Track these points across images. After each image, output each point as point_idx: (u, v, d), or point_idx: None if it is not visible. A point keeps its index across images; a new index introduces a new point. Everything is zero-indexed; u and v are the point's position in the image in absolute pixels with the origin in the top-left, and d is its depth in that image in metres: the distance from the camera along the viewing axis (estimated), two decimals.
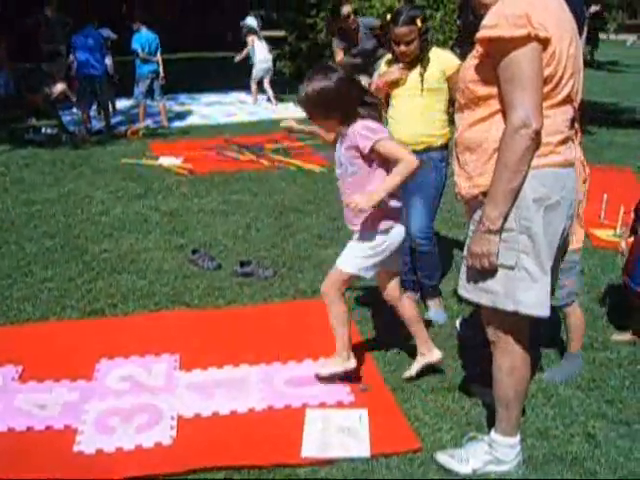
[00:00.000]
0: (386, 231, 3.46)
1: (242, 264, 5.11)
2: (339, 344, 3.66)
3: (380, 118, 3.51)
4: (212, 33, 24.93)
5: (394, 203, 3.46)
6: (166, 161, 8.43)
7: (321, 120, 3.46)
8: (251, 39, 13.41)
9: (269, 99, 13.54)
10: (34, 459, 3.18)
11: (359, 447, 3.18)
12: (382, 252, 3.48)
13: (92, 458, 3.18)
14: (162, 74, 11.03)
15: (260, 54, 13.23)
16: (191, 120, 11.95)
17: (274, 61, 17.27)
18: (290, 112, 12.34)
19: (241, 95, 14.37)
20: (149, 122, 11.31)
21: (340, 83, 3.29)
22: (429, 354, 3.72)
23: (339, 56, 8.45)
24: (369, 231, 3.46)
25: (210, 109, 13.04)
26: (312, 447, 3.18)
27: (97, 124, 11.23)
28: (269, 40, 14.49)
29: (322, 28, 17.11)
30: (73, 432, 3.36)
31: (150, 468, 3.08)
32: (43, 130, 10.65)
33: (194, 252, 5.35)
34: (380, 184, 3.34)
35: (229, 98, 14.21)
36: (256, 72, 13.38)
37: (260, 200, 6.85)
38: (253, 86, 13.52)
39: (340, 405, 3.52)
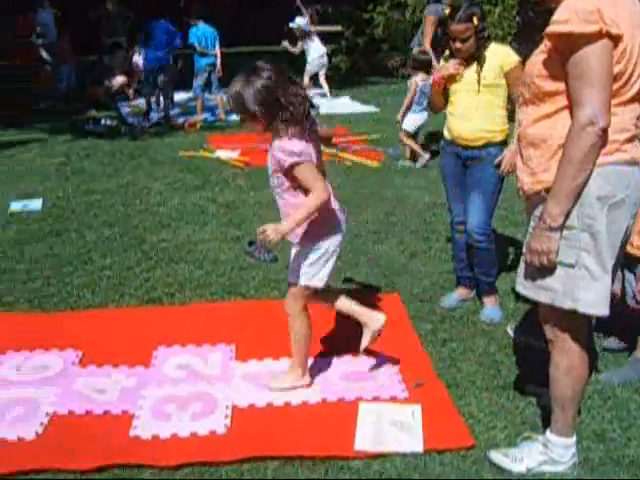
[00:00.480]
0: (326, 236, 3.40)
1: (250, 244, 5.17)
2: (296, 360, 3.61)
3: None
4: (269, 26, 24.99)
5: (329, 210, 3.42)
6: (223, 154, 8.50)
7: (247, 119, 3.30)
8: (302, 42, 13.34)
9: (324, 94, 13.50)
10: (92, 442, 3.25)
11: (412, 442, 3.18)
12: (329, 259, 3.44)
13: (148, 443, 3.23)
14: (219, 67, 11.10)
15: (315, 51, 13.17)
16: None
17: (329, 56, 17.28)
18: (346, 107, 12.36)
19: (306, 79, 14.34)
20: (206, 115, 11.41)
21: (267, 83, 3.16)
22: (372, 322, 3.63)
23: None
24: (310, 241, 3.40)
25: None
26: (365, 440, 3.19)
27: (155, 116, 11.37)
28: (325, 35, 14.47)
29: (379, 23, 17.05)
30: (130, 417, 3.42)
31: (204, 455, 3.12)
32: (103, 122, 10.83)
33: (250, 244, 5.39)
34: (292, 214, 3.27)
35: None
36: (311, 67, 13.34)
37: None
38: (305, 80, 13.49)
39: (394, 400, 3.52)
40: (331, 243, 3.43)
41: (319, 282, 3.46)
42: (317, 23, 14.60)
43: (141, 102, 12.33)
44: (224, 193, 6.92)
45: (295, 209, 3.29)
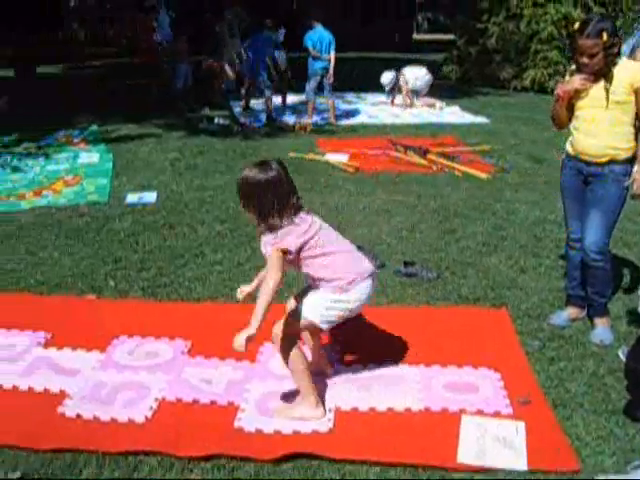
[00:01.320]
0: (347, 289, 3.37)
1: (406, 264, 5.12)
2: (305, 391, 3.46)
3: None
4: (380, 33, 25.06)
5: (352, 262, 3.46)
6: (333, 157, 8.56)
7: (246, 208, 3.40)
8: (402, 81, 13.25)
9: (432, 104, 13.38)
10: (198, 430, 3.34)
11: (516, 459, 3.13)
12: (345, 308, 3.40)
13: (251, 436, 3.30)
14: (331, 72, 11.18)
15: (412, 79, 13.09)
16: (358, 119, 12.06)
17: (440, 65, 17.17)
18: (456, 117, 12.25)
19: (406, 99, 14.29)
20: (317, 118, 11.52)
21: (265, 183, 3.25)
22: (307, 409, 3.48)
23: None
24: (327, 287, 3.39)
25: (376, 109, 13.12)
26: (469, 454, 3.16)
27: (264, 116, 11.57)
28: (437, 43, 14.36)
29: (493, 33, 16.84)
30: (235, 409, 3.51)
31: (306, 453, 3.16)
32: (216, 120, 11.09)
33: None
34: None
35: (395, 100, 14.19)
36: (414, 89, 13.26)
37: (424, 203, 6.84)
38: (404, 89, 13.40)
39: (497, 415, 3.46)
40: (348, 297, 3.39)
41: (325, 324, 3.46)
42: (428, 31, 14.51)
43: (253, 103, 12.57)
44: (333, 196, 6.97)
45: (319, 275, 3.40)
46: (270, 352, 4.03)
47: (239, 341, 3.25)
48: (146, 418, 3.43)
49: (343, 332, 4.22)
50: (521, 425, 3.36)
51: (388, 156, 8.83)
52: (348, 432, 3.33)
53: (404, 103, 13.22)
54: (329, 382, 3.75)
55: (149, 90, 12.67)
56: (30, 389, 3.70)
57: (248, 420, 3.40)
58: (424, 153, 8.88)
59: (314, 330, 3.59)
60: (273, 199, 3.25)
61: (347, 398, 3.60)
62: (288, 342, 3.43)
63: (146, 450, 3.17)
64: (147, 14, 12.55)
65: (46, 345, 4.16)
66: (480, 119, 12.07)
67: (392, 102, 13.44)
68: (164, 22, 13.05)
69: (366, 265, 3.51)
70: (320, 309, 3.40)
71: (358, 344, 4.14)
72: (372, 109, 13.12)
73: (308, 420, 3.40)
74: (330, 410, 3.49)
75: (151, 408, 3.51)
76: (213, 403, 3.57)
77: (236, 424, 3.38)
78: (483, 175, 7.96)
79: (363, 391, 3.66)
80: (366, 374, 3.84)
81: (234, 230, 6.00)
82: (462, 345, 4.14)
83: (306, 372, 3.46)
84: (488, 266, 5.26)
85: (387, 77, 13.22)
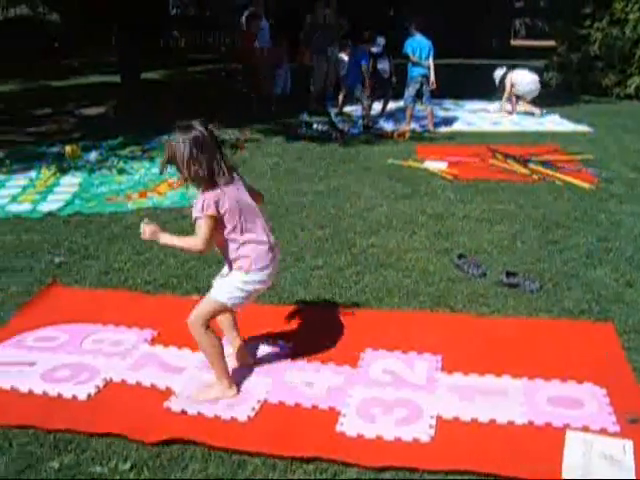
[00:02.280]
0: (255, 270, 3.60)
1: (508, 274, 5.06)
2: (218, 373, 3.70)
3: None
4: (478, 40, 24.79)
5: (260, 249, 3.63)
6: (432, 165, 8.52)
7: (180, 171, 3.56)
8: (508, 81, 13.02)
9: (531, 112, 13.10)
10: (299, 433, 3.39)
11: (625, 478, 3.05)
12: (251, 290, 3.64)
13: (353, 441, 3.32)
14: (432, 79, 11.13)
15: (522, 83, 12.85)
16: (456, 126, 11.95)
17: (542, 71, 16.81)
18: (556, 125, 12.00)
19: (506, 104, 14.09)
20: (415, 125, 11.48)
21: (188, 143, 3.45)
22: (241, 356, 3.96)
23: None
24: (240, 268, 3.62)
25: (475, 116, 12.98)
26: (574, 470, 3.09)
27: (361, 122, 11.60)
28: (535, 49, 14.07)
29: (595, 39, 16.41)
30: (337, 414, 3.53)
31: (408, 461, 3.15)
32: (315, 126, 11.19)
33: (460, 257, 5.37)
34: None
35: (494, 107, 14.00)
36: (521, 93, 13.00)
37: (526, 212, 6.72)
38: (505, 95, 13.16)
39: (604, 432, 3.37)
40: (254, 279, 3.63)
41: (229, 300, 3.63)
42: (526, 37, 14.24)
43: (351, 109, 12.63)
44: (433, 204, 6.94)
45: (232, 251, 3.64)
46: (371, 358, 4.05)
47: (149, 234, 3.71)
48: (249, 418, 3.49)
49: (444, 341, 4.22)
50: (629, 444, 3.26)
51: (487, 164, 8.72)
52: (449, 442, 3.31)
53: (502, 109, 13.01)
54: (430, 389, 3.73)
55: (248, 96, 12.87)
56: (138, 384, 3.83)
57: (350, 425, 3.42)
58: (524, 161, 8.73)
59: (226, 316, 3.87)
60: (191, 159, 3.45)
61: (449, 407, 3.58)
62: (201, 326, 3.61)
63: (249, 449, 3.23)
64: (248, 21, 12.75)
65: (152, 342, 4.29)
66: (582, 127, 11.78)
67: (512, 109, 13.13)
68: (265, 29, 13.25)
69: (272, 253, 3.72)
70: (227, 290, 3.63)
71: (459, 353, 4.11)
72: (470, 116, 12.97)
73: (222, 400, 3.65)
74: (432, 417, 3.48)
75: (253, 409, 3.57)
76: (314, 407, 3.60)
77: (338, 428, 3.40)
78: (586, 185, 7.77)
79: (465, 401, 3.63)
80: (468, 384, 3.80)
81: (334, 236, 6.04)
82: (566, 359, 4.06)
83: (220, 355, 3.68)
84: (592, 279, 5.13)
85: (499, 73, 13.02)
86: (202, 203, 3.49)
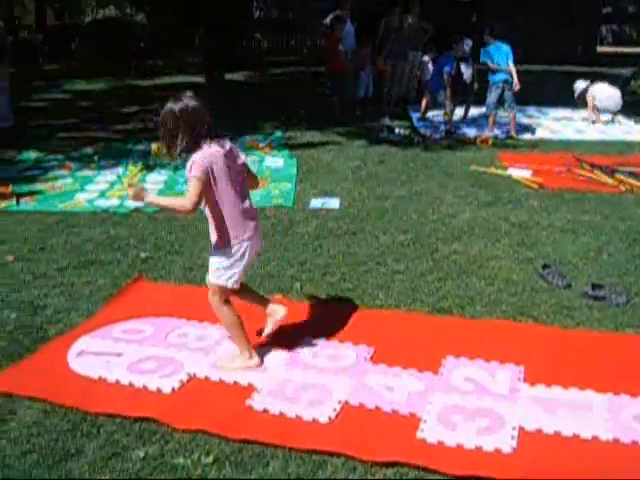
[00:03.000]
0: (235, 243, 3.79)
1: (594, 287, 4.95)
2: (240, 346, 3.98)
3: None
4: (563, 47, 24.33)
5: (240, 219, 3.79)
6: (515, 172, 8.40)
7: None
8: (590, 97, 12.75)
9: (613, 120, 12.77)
10: (379, 437, 3.38)
11: None
12: (238, 261, 3.83)
13: (433, 448, 3.30)
14: (516, 81, 10.90)
15: (600, 95, 12.55)
16: (540, 134, 11.75)
17: (628, 79, 16.37)
18: None
19: (591, 113, 13.77)
20: (497, 132, 11.35)
21: (175, 113, 3.65)
22: (274, 313, 4.11)
23: None
24: (220, 245, 3.82)
25: (559, 124, 12.74)
26: None
27: (444, 127, 11.52)
28: (622, 56, 13.69)
29: None
30: (417, 420, 3.51)
31: (489, 471, 3.11)
32: (397, 131, 11.17)
33: (544, 267, 5.29)
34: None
35: (578, 114, 13.72)
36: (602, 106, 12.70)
37: (612, 224, 6.57)
38: (590, 104, 12.84)
39: None
40: (239, 250, 3.81)
41: (228, 281, 3.84)
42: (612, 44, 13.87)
43: (433, 114, 12.56)
44: (516, 212, 6.84)
45: (212, 223, 3.83)
46: (452, 365, 4.02)
47: (134, 195, 3.88)
48: (330, 419, 3.51)
49: (527, 352, 4.16)
50: None
51: (573, 173, 8.55)
52: (531, 454, 3.26)
53: (589, 118, 12.75)
54: (512, 399, 3.68)
55: (331, 99, 12.92)
56: (221, 380, 3.89)
57: (430, 431, 3.40)
58: (611, 172, 8.53)
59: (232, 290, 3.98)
60: (178, 127, 3.65)
61: (532, 419, 3.52)
62: (219, 303, 3.91)
63: (330, 450, 3.25)
64: (333, 24, 12.80)
65: None
66: None
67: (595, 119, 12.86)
68: (349, 32, 13.29)
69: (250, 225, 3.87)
70: (220, 272, 3.84)
71: (543, 365, 4.04)
72: (554, 124, 12.74)
73: (245, 370, 3.92)
74: (514, 428, 3.43)
75: (335, 410, 3.58)
76: (395, 412, 3.59)
77: (418, 435, 3.38)
78: None
79: (548, 413, 3.57)
80: (551, 396, 3.73)
81: (416, 241, 6.02)
82: None
83: (240, 328, 3.96)
84: None
85: (579, 85, 12.80)
86: (191, 164, 3.66)
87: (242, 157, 3.88)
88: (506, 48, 10.92)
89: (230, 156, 3.76)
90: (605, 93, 12.61)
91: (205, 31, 17.67)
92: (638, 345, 4.31)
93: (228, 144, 3.79)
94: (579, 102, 12.97)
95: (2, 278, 5.31)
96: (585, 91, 12.69)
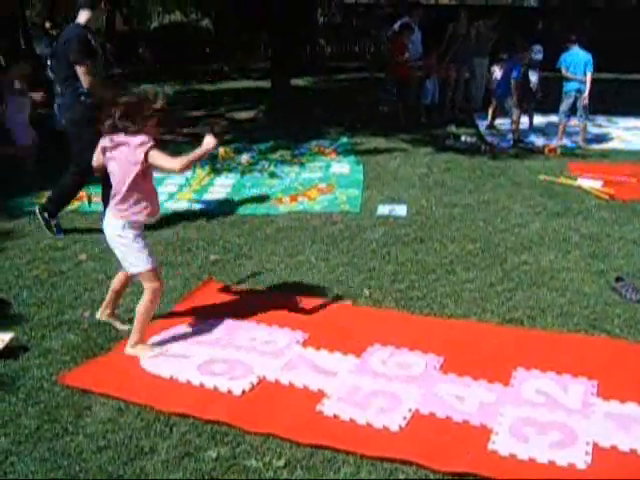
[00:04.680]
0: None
1: None
2: (140, 333, 4.23)
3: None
4: (633, 54, 23.81)
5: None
6: (585, 183, 8.25)
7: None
8: None
9: None
10: (450, 447, 3.37)
11: None
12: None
13: (505, 460, 3.27)
14: (585, 94, 10.72)
15: None
16: (611, 144, 11.52)
17: None
18: None
19: None
20: (566, 141, 11.16)
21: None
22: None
23: None
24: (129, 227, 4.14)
25: (630, 134, 12.47)
26: None
27: (511, 136, 11.38)
28: None
29: None
30: (489, 431, 3.49)
31: None
32: (463, 138, 11.06)
33: (618, 280, 5.18)
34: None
35: None
36: None
37: None
38: None
39: None
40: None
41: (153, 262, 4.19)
42: None
43: (500, 122, 12.43)
44: (587, 223, 6.72)
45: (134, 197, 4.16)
46: (523, 377, 3.98)
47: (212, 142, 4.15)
48: (400, 427, 3.51)
49: (600, 366, 4.08)
50: None
51: None
52: (606, 471, 3.21)
53: None
54: (585, 413, 3.62)
55: (396, 105, 12.88)
56: (291, 384, 3.92)
57: (502, 444, 3.37)
58: None
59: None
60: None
61: (606, 435, 3.46)
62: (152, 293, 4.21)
63: (401, 458, 3.25)
64: (401, 31, 12.77)
65: (304, 344, 4.38)
66: None
67: None
68: (417, 39, 13.24)
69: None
70: (139, 255, 4.13)
71: (616, 380, 3.96)
72: (625, 134, 12.48)
73: (141, 356, 4.19)
74: (588, 444, 3.38)
75: (405, 418, 3.58)
76: (465, 422, 3.57)
77: (490, 447, 3.36)
78: None
79: (622, 430, 3.50)
80: (626, 412, 3.65)
81: (485, 250, 5.96)
82: None
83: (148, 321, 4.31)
84: None
85: None
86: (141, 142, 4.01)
87: None
88: (585, 56, 10.69)
89: None
90: None
91: (270, 37, 17.79)
92: None
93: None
94: None
95: (76, 277, 5.44)
96: None
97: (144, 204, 4.13)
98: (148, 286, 4.18)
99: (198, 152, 4.10)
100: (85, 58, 6.13)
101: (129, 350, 4.23)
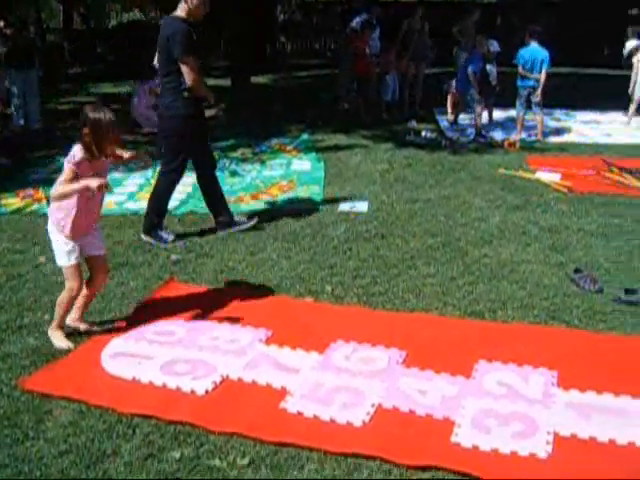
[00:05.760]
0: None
1: (627, 291, 4.92)
2: (58, 320, 4.38)
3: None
4: (589, 48, 24.13)
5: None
6: (544, 176, 8.35)
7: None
8: (636, 59, 12.64)
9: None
10: (414, 441, 3.39)
11: None
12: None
13: (468, 452, 3.30)
14: (538, 92, 10.79)
15: None
16: (567, 137, 11.67)
17: None
18: None
19: (618, 115, 13.65)
20: (524, 135, 11.28)
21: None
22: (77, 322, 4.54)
23: None
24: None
25: (588, 127, 12.64)
26: None
27: (473, 131, 11.46)
28: None
29: None
30: (451, 424, 3.51)
31: (524, 476, 3.12)
32: (423, 134, 11.14)
33: (576, 271, 5.26)
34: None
35: (606, 117, 13.60)
36: (636, 91, 12.54)
37: None
38: (632, 107, 12.71)
39: None
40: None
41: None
42: None
43: (460, 117, 12.51)
44: (546, 216, 6.80)
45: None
46: (485, 369, 4.01)
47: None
48: (363, 422, 3.52)
49: (560, 357, 4.14)
50: None
51: (602, 177, 8.48)
52: (567, 459, 3.25)
53: (629, 116, 12.57)
54: (546, 404, 3.66)
55: (356, 102, 12.92)
56: (254, 382, 3.91)
57: (465, 436, 3.40)
58: None
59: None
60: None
61: (566, 424, 3.50)
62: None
63: (365, 453, 3.25)
64: (362, 29, 12.80)
65: (267, 342, 4.37)
66: None
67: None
68: (375, 36, 13.29)
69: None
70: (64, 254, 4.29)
71: (576, 370, 4.01)
72: (583, 127, 12.65)
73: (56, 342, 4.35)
74: (549, 433, 3.42)
75: (368, 413, 3.59)
76: (428, 416, 3.59)
77: (453, 439, 3.38)
78: None
79: (583, 419, 3.55)
80: (585, 401, 3.71)
81: (446, 244, 6.00)
82: None
83: (67, 311, 4.42)
84: None
85: (630, 44, 12.69)
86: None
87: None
88: (542, 53, 10.77)
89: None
90: None
91: (229, 35, 17.73)
92: None
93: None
94: (626, 62, 12.78)
95: (35, 280, 5.37)
96: (636, 50, 12.53)
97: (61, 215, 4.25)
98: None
99: (75, 187, 4.05)
100: (190, 54, 5.91)
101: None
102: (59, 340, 4.35)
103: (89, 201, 4.23)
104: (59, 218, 4.22)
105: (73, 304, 4.44)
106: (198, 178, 6.47)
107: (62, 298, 4.37)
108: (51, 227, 4.30)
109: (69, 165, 4.06)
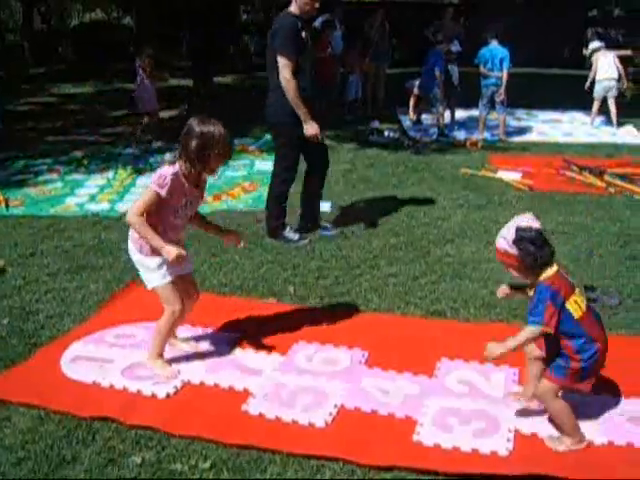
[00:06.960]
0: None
1: (586, 288, 4.97)
2: (159, 348, 4.04)
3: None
4: (550, 49, 24.41)
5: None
6: (505, 175, 8.43)
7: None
8: (595, 58, 12.83)
9: (610, 121, 12.78)
10: (376, 441, 3.39)
11: None
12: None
13: (430, 451, 3.31)
14: (501, 90, 10.91)
15: (602, 71, 12.55)
16: (529, 136, 11.79)
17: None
18: (632, 137, 11.73)
19: (579, 115, 13.84)
20: (487, 135, 11.37)
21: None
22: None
23: None
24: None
25: (549, 127, 12.78)
26: None
27: (435, 131, 11.53)
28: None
29: None
30: (413, 423, 3.52)
31: (485, 472, 3.14)
32: (386, 134, 11.18)
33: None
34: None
35: (566, 117, 13.78)
36: (597, 90, 12.72)
37: (602, 226, 6.60)
38: (595, 105, 12.87)
39: None
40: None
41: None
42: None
43: (423, 117, 12.57)
44: (507, 214, 6.77)
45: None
46: (447, 368, 4.03)
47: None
48: (326, 423, 3.51)
49: (521, 354, 4.15)
50: None
51: (562, 176, 8.58)
52: (528, 457, 3.26)
53: (592, 118, 12.75)
54: (507, 401, 3.68)
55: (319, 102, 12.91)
56: (216, 385, 3.88)
57: (426, 435, 3.41)
58: (600, 174, 8.56)
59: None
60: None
61: (527, 422, 3.53)
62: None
63: (327, 455, 3.25)
64: (323, 29, 12.81)
65: (230, 344, 4.34)
66: None
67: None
68: (337, 36, 13.31)
69: None
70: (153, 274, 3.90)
71: None
72: (544, 127, 12.79)
73: (159, 375, 3.96)
74: (510, 431, 3.44)
75: (330, 414, 3.59)
76: (390, 415, 3.60)
77: (415, 438, 3.39)
78: None
79: (542, 416, 3.58)
80: None
81: (408, 244, 6.02)
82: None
83: (167, 338, 4.09)
84: None
85: (593, 46, 12.90)
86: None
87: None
88: (502, 52, 10.87)
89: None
90: (604, 65, 12.58)
91: (191, 35, 17.64)
92: (630, 346, 4.32)
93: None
94: (588, 62, 13.01)
95: None
96: (597, 51, 12.72)
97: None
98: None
99: (154, 243, 3.75)
100: (288, 48, 5.70)
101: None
102: (162, 369, 4.00)
103: (175, 215, 3.90)
104: (136, 238, 3.86)
105: (174, 330, 4.17)
106: (272, 178, 6.43)
107: (162, 325, 3.99)
108: (130, 246, 3.92)
109: (153, 187, 3.71)
